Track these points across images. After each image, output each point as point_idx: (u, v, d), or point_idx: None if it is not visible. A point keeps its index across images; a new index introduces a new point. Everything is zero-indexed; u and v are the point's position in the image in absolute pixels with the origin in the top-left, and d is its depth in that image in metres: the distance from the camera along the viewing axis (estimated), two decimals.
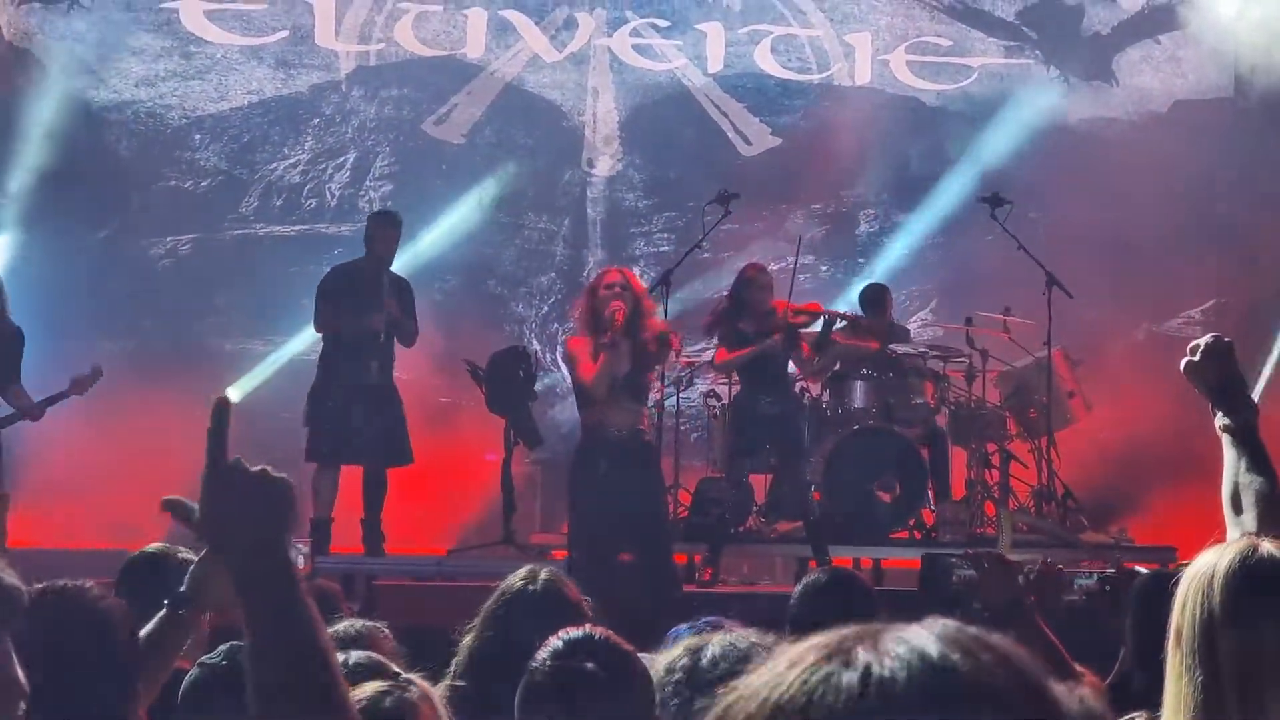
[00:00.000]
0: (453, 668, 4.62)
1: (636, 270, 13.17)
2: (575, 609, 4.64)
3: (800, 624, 5.16)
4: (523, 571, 4.88)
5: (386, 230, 12.49)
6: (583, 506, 10.24)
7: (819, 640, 1.60)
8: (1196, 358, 4.16)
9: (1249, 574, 3.28)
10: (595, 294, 10.06)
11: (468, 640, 4.66)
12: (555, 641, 3.71)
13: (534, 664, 3.69)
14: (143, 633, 3.98)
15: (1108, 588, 6.19)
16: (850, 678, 1.54)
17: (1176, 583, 3.35)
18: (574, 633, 3.74)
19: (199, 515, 2.63)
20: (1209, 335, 4.20)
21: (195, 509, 2.66)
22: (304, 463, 11.91)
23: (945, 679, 1.54)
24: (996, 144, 16.07)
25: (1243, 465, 4.03)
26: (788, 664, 1.59)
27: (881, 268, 16.01)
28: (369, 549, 12.04)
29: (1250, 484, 3.98)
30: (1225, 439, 4.10)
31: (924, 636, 1.57)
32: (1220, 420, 4.11)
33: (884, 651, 1.55)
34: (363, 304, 12.12)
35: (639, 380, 10.18)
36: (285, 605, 2.50)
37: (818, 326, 12.52)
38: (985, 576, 5.31)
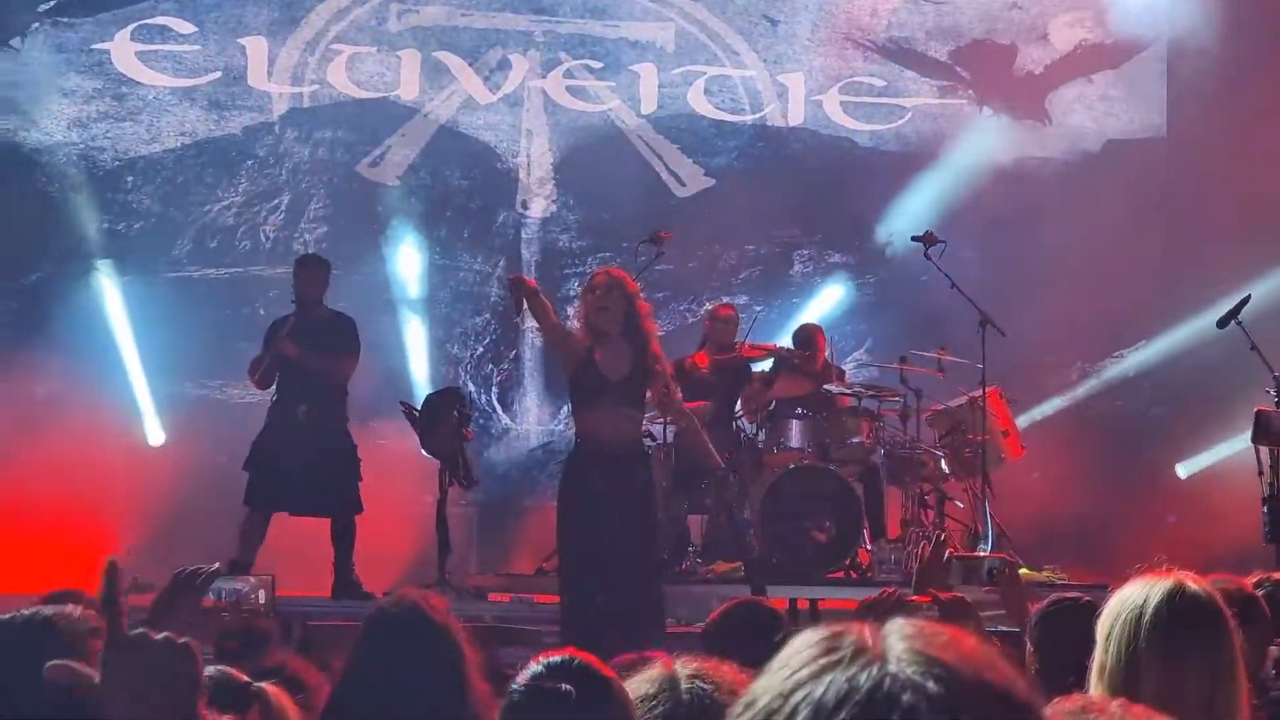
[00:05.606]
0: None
1: (569, 311, 13.11)
2: (441, 631, 4.47)
3: (713, 645, 5.14)
4: (395, 594, 4.75)
5: (300, 274, 12.57)
6: (573, 522, 9.42)
7: (826, 640, 1.63)
8: None
9: (1177, 611, 3.29)
10: (582, 297, 9.76)
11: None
12: (534, 664, 3.62)
13: (512, 687, 3.60)
14: None
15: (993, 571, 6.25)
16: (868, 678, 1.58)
17: (1077, 611, 3.34)
18: (554, 657, 3.65)
19: (101, 686, 2.49)
20: None
21: (89, 677, 2.54)
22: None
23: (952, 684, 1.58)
24: (929, 183, 16.10)
25: None
26: (803, 666, 1.60)
27: (816, 307, 16.01)
28: (339, 595, 11.94)
29: None
30: None
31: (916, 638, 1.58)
32: None
33: (893, 654, 1.60)
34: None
35: (636, 387, 9.42)
36: None
37: (768, 364, 12.85)
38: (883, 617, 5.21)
